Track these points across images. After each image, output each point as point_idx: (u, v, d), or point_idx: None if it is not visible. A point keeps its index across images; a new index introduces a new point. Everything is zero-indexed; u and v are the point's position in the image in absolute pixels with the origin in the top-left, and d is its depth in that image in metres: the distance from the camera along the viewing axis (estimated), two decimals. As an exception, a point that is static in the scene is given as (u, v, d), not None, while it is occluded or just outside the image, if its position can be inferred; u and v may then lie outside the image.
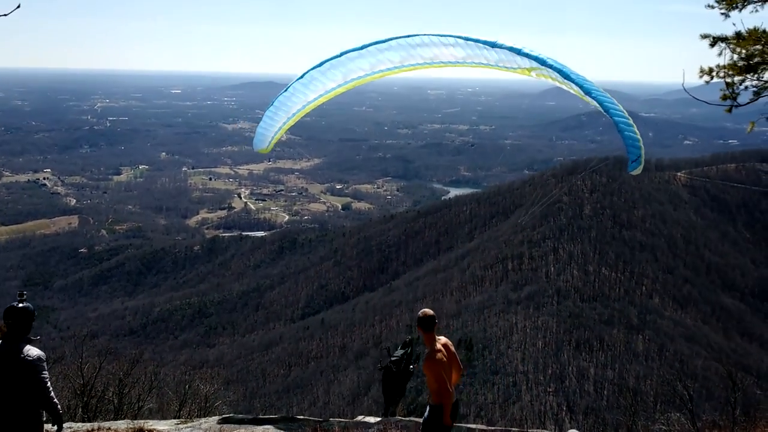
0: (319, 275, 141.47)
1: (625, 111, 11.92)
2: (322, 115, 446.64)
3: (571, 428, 15.80)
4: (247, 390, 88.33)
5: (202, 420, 13.34)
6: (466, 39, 11.25)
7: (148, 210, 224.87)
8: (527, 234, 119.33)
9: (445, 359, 8.24)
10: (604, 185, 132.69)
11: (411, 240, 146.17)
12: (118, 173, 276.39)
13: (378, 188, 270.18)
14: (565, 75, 11.45)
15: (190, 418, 15.17)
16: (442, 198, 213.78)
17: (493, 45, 11.30)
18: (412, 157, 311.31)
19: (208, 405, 25.39)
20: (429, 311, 8.40)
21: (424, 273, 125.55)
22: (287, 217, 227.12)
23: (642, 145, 11.86)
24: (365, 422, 12.47)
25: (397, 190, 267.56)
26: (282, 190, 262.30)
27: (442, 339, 8.53)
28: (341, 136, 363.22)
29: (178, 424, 12.85)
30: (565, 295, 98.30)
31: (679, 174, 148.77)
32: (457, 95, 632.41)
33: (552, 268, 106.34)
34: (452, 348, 8.51)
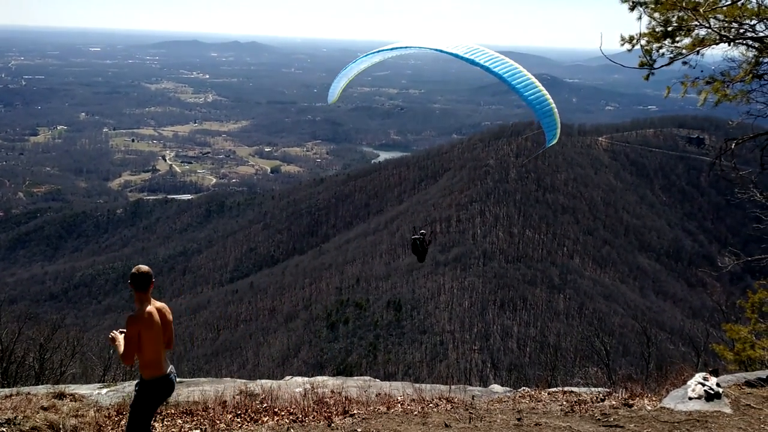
0: (248, 238, 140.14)
1: (545, 94, 12.85)
2: (249, 77, 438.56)
3: (495, 384, 16.30)
4: (175, 354, 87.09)
5: (126, 383, 13.21)
6: (447, 52, 12.96)
7: (68, 172, 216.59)
8: (455, 197, 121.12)
9: (155, 325, 6.98)
10: (529, 150, 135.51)
11: (341, 203, 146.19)
12: (35, 134, 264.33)
13: (307, 151, 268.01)
14: (499, 77, 12.47)
15: (114, 382, 14.97)
16: (372, 161, 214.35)
17: (456, 56, 12.77)
18: (341, 120, 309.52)
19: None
20: (144, 268, 7.03)
21: (354, 236, 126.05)
22: (214, 180, 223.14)
23: (558, 126, 13.39)
24: (293, 382, 12.60)
25: (327, 153, 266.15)
26: (209, 153, 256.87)
27: (158, 303, 7.24)
28: (270, 98, 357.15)
29: (100, 388, 12.69)
30: (490, 256, 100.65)
31: (600, 139, 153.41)
32: (388, 59, 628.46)
33: (479, 231, 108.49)
34: (169, 316, 7.32)
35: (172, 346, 7.51)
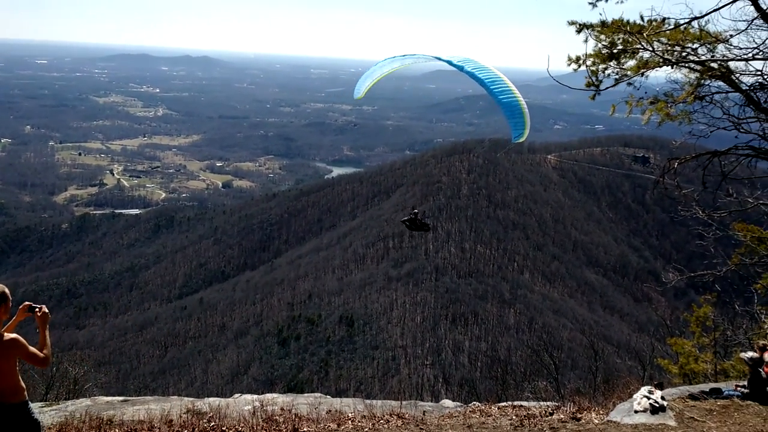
0: (198, 254, 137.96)
1: (518, 98, 13.84)
2: (201, 91, 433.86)
3: (446, 399, 16.34)
4: (120, 372, 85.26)
5: (69, 402, 12.81)
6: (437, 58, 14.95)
7: (12, 186, 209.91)
8: (408, 213, 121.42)
9: None
10: (480, 166, 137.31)
11: (293, 218, 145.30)
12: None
13: (260, 166, 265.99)
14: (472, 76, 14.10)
15: (57, 401, 14.50)
16: (325, 177, 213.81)
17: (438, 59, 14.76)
18: (294, 135, 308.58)
19: (77, 388, 24.23)
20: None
21: (307, 251, 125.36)
22: (164, 195, 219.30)
23: (526, 127, 14.40)
24: (243, 400, 12.41)
25: (280, 169, 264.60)
26: (158, 167, 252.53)
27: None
28: (221, 112, 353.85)
29: (42, 406, 12.28)
30: (442, 271, 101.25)
31: (549, 157, 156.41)
32: (341, 75, 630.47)
33: (431, 246, 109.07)
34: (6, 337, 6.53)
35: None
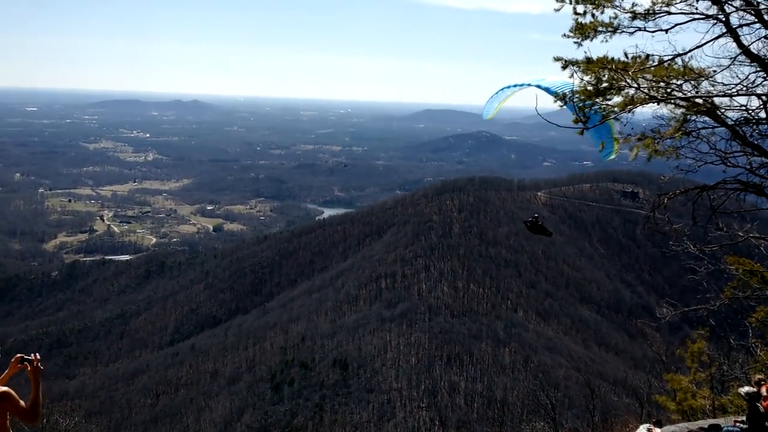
0: (189, 299, 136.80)
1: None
2: (191, 135, 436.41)
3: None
4: (112, 422, 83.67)
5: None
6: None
7: (1, 234, 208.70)
8: (400, 252, 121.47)
9: None
10: (471, 205, 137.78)
11: (285, 261, 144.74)
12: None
13: (251, 209, 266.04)
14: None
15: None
16: (316, 218, 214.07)
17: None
18: (285, 177, 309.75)
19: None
20: None
21: (299, 294, 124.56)
22: (154, 240, 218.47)
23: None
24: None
25: (271, 211, 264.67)
26: (149, 212, 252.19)
27: None
28: (212, 156, 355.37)
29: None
30: (436, 311, 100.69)
31: (539, 193, 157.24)
32: (330, 116, 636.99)
33: (424, 286, 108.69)
34: None
35: None
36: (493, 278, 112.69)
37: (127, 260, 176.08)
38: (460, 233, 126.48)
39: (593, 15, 11.18)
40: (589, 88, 11.53)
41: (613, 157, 14.05)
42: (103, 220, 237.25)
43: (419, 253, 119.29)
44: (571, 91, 11.60)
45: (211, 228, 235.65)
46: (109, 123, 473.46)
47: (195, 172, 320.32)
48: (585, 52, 11.38)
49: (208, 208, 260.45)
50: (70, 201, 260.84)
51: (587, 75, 11.40)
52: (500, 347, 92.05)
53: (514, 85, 15.46)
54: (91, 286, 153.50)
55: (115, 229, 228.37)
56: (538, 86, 13.68)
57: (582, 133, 11.91)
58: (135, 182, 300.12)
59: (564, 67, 11.61)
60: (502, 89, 16.11)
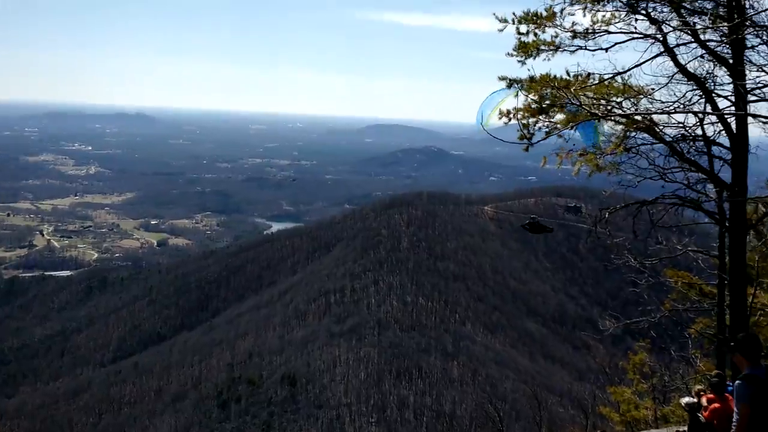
0: (133, 315, 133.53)
1: None
2: (135, 148, 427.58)
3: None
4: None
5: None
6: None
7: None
8: (349, 267, 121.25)
9: None
10: (419, 219, 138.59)
11: (232, 276, 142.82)
12: None
13: (196, 223, 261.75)
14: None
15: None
16: (264, 232, 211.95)
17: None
18: (232, 191, 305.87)
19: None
20: None
21: (246, 309, 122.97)
22: (96, 255, 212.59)
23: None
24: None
25: (217, 225, 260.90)
26: (90, 227, 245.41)
27: None
28: (156, 169, 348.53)
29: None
30: (385, 325, 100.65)
31: (486, 208, 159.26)
32: (278, 130, 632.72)
33: (373, 300, 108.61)
34: None
35: None
36: (441, 292, 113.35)
37: (67, 276, 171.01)
38: (408, 247, 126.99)
39: (535, 34, 11.40)
40: (533, 105, 11.70)
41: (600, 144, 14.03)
42: (43, 235, 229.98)
43: (368, 268, 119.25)
44: (515, 108, 11.75)
45: (155, 243, 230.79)
46: (51, 135, 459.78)
47: (138, 186, 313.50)
48: (529, 70, 11.56)
49: (152, 222, 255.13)
50: (8, 215, 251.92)
51: (531, 93, 11.58)
52: (449, 361, 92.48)
53: (503, 90, 15.35)
54: (31, 302, 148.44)
55: (56, 243, 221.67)
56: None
57: (527, 149, 12.05)
58: (76, 196, 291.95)
59: (509, 86, 11.79)
60: (492, 94, 15.98)
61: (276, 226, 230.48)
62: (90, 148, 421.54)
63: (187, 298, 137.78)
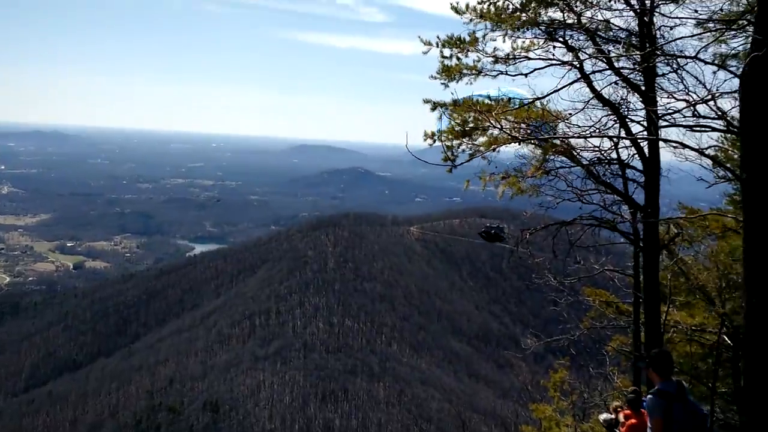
0: (47, 342, 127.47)
1: None
2: (51, 168, 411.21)
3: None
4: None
5: None
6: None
7: None
8: (274, 288, 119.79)
9: None
10: (346, 240, 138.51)
11: (152, 299, 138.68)
12: None
13: (115, 245, 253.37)
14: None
15: None
16: (187, 255, 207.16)
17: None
18: (153, 212, 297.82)
19: None
20: None
21: (167, 334, 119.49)
22: (8, 279, 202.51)
23: None
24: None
25: (137, 247, 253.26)
26: (2, 249, 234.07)
27: None
28: (73, 189, 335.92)
29: None
30: (311, 348, 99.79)
31: (412, 229, 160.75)
32: (202, 150, 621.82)
33: (299, 322, 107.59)
34: None
35: None
36: (368, 313, 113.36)
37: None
38: (335, 268, 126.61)
39: (458, 58, 11.59)
40: (457, 128, 11.87)
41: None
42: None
43: (294, 289, 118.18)
44: (440, 130, 11.90)
45: (71, 266, 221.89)
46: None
47: (54, 207, 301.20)
48: (452, 93, 11.73)
49: (68, 244, 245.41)
50: None
51: (455, 116, 11.75)
52: (375, 382, 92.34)
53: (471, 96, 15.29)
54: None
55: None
56: (488, 97, 13.64)
57: (451, 170, 12.21)
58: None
59: (433, 109, 11.92)
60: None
61: (199, 248, 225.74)
62: (2, 167, 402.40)
63: (105, 323, 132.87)
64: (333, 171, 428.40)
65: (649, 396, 6.97)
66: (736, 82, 8.34)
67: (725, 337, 14.07)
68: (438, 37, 11.69)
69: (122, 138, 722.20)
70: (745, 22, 9.03)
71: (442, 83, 12.08)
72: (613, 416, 10.42)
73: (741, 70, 7.67)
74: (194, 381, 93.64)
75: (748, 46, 8.00)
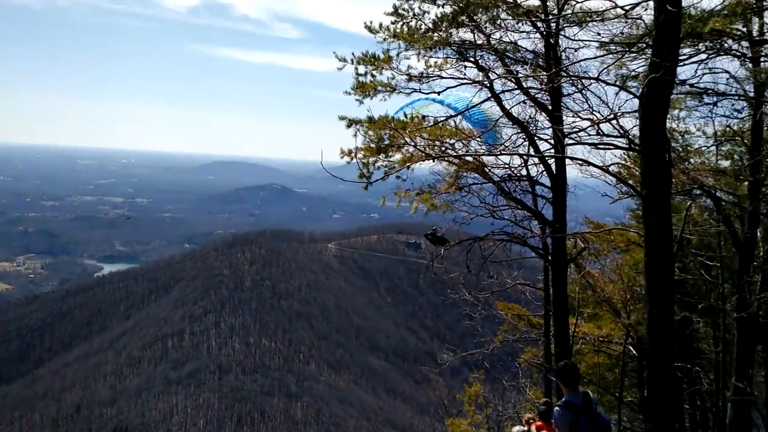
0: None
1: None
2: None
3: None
4: None
5: None
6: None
7: None
8: (188, 309, 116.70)
9: None
10: (263, 257, 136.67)
11: (58, 322, 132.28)
12: None
13: (18, 266, 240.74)
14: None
15: None
16: (95, 275, 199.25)
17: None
18: (59, 231, 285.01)
19: None
20: None
21: (74, 358, 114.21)
22: None
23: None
24: None
25: (42, 268, 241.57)
26: None
27: None
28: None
29: None
30: (226, 369, 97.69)
31: (329, 245, 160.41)
32: (111, 166, 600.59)
33: (214, 343, 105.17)
34: None
35: None
36: (285, 331, 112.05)
37: None
38: (251, 287, 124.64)
39: (373, 75, 11.68)
40: (372, 145, 11.93)
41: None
42: None
43: (209, 309, 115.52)
44: (356, 147, 11.92)
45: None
46: None
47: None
48: (368, 110, 11.80)
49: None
50: None
51: (370, 133, 11.81)
52: (292, 402, 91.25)
53: (425, 98, 15.07)
54: None
55: None
56: (441, 102, 13.59)
57: (366, 188, 12.24)
58: None
59: (348, 126, 11.93)
60: (416, 101, 15.64)
61: (108, 268, 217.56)
62: None
63: (7, 348, 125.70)
64: (250, 188, 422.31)
65: (556, 408, 7.13)
66: (636, 102, 8.75)
67: (630, 347, 14.65)
68: (353, 54, 11.75)
69: (25, 154, 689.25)
70: (644, 45, 9.51)
71: (356, 99, 12.13)
72: (525, 428, 10.63)
73: (641, 90, 8.05)
74: (103, 407, 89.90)
75: (647, 67, 8.41)
